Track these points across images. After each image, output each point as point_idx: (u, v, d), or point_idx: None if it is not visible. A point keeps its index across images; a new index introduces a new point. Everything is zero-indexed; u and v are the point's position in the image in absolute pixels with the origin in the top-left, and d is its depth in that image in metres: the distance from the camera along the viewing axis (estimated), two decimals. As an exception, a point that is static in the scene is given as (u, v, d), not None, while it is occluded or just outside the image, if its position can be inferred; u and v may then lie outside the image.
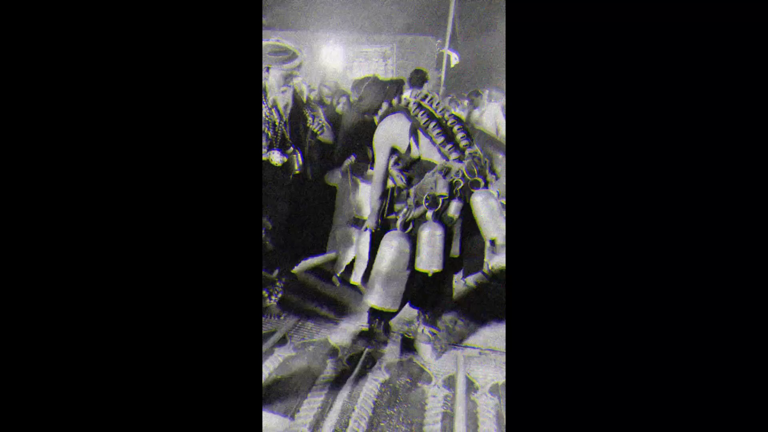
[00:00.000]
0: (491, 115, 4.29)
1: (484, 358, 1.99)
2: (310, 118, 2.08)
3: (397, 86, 1.78)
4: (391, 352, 1.98)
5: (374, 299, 1.70)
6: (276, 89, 1.93)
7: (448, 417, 1.60)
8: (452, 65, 4.81)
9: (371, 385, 1.75)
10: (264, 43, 1.90)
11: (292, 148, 2.01)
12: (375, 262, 1.70)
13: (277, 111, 1.96)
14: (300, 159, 2.02)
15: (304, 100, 2.16)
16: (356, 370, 1.83)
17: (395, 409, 1.62)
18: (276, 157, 1.96)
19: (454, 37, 4.66)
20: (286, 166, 1.98)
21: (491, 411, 1.64)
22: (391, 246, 1.66)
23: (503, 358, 1.96)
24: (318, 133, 2.12)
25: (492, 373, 1.88)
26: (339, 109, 3.03)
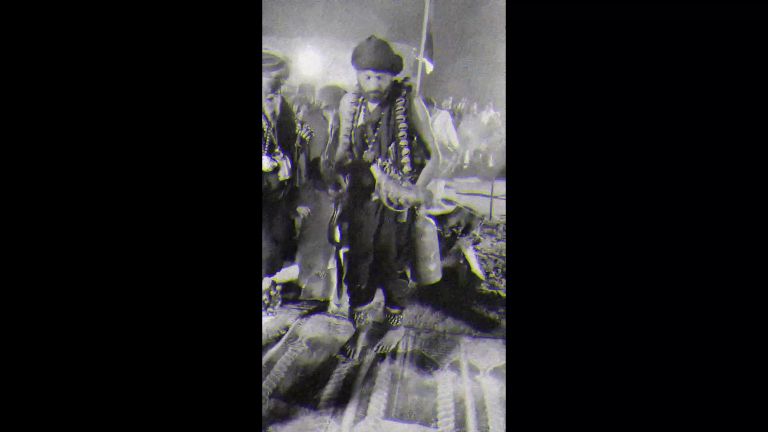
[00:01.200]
0: (441, 123, 4.43)
1: (478, 342, 2.20)
2: (298, 125, 2.11)
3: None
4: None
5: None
6: (264, 96, 1.95)
7: (458, 397, 1.78)
8: (427, 72, 4.91)
9: (384, 373, 1.93)
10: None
11: (281, 154, 2.03)
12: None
13: (265, 117, 1.98)
14: (289, 164, 2.05)
15: (293, 107, 2.19)
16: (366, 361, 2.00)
17: (409, 395, 1.77)
18: (266, 163, 1.98)
19: (429, 44, 4.77)
20: (275, 172, 2.00)
21: (495, 391, 1.83)
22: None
23: (496, 343, 2.18)
24: (306, 139, 2.15)
25: (490, 357, 2.09)
26: (326, 113, 3.06)
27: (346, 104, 1.89)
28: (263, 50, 1.95)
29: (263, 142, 1.97)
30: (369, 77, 1.75)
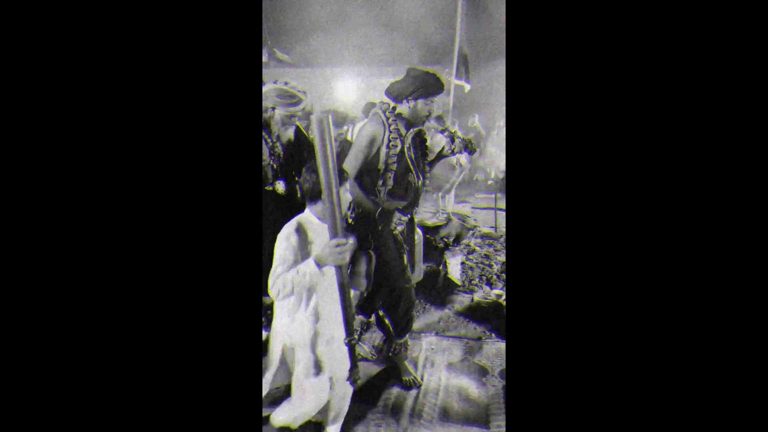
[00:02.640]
0: (436, 143, 4.51)
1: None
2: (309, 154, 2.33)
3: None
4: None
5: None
6: (280, 125, 2.19)
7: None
8: (465, 92, 5.06)
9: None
10: (272, 86, 2.18)
11: (297, 178, 2.25)
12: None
13: (282, 144, 2.21)
14: (298, 188, 2.26)
15: (309, 136, 2.42)
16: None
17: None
18: (281, 186, 2.20)
19: (465, 64, 4.91)
20: (289, 195, 2.22)
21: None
22: None
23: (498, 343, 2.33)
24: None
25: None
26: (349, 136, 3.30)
27: (379, 131, 1.94)
28: (282, 87, 2.19)
29: (280, 167, 2.20)
30: (417, 104, 1.92)
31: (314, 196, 1.43)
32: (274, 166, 2.19)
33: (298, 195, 2.32)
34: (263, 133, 2.11)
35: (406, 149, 1.97)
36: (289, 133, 2.23)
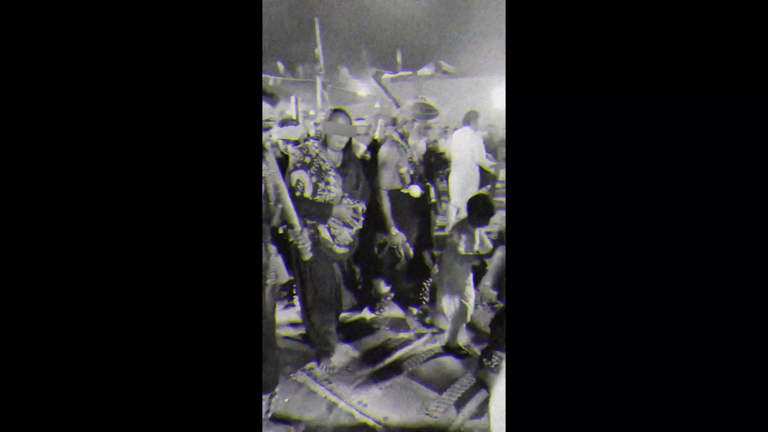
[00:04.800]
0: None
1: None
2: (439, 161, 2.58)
3: None
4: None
5: None
6: (417, 136, 2.48)
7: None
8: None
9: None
10: (413, 101, 2.49)
11: (428, 183, 2.52)
12: None
13: (417, 153, 2.50)
14: (434, 191, 2.52)
15: (438, 149, 2.67)
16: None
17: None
18: (416, 190, 2.49)
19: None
20: (423, 197, 2.50)
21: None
22: None
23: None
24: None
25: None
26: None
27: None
28: (424, 101, 2.49)
29: (415, 174, 2.49)
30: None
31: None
32: (411, 172, 2.49)
33: (433, 199, 2.59)
34: (402, 142, 2.43)
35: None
36: (422, 144, 2.51)
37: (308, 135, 2.90)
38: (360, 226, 2.17)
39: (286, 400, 1.97)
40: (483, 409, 1.93)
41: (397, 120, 2.58)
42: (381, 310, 2.75)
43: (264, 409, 1.80)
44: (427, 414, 1.90)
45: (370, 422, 1.85)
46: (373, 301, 2.73)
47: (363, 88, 14.79)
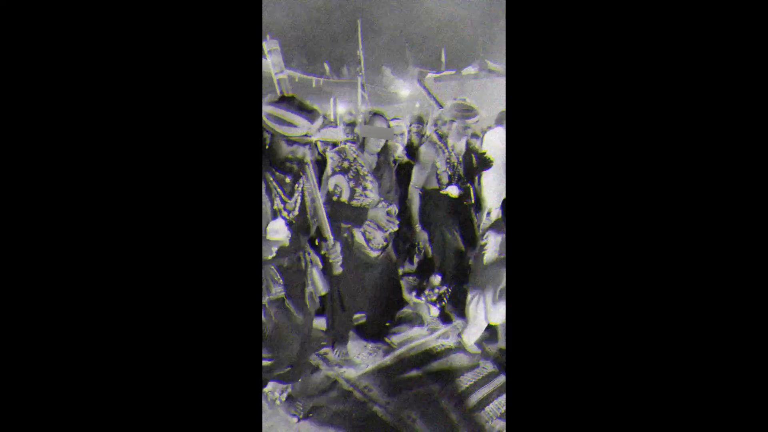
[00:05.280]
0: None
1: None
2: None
3: None
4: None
5: None
6: (456, 137, 2.43)
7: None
8: None
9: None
10: (453, 102, 2.45)
11: (468, 184, 2.46)
12: None
13: (455, 154, 2.45)
14: (473, 192, 2.45)
15: (479, 149, 2.60)
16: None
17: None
18: (454, 191, 2.44)
19: None
20: (461, 198, 2.44)
21: None
22: None
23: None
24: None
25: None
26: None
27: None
28: (463, 102, 2.44)
29: (453, 174, 2.44)
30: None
31: None
32: (449, 172, 2.44)
33: (473, 200, 2.52)
34: (440, 143, 2.39)
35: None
36: (462, 144, 2.45)
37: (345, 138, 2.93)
38: (395, 229, 2.15)
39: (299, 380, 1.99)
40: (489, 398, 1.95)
41: (436, 121, 2.55)
42: (439, 304, 2.74)
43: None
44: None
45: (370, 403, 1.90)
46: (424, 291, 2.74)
47: (405, 88, 14.79)
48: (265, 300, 1.56)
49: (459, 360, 2.23)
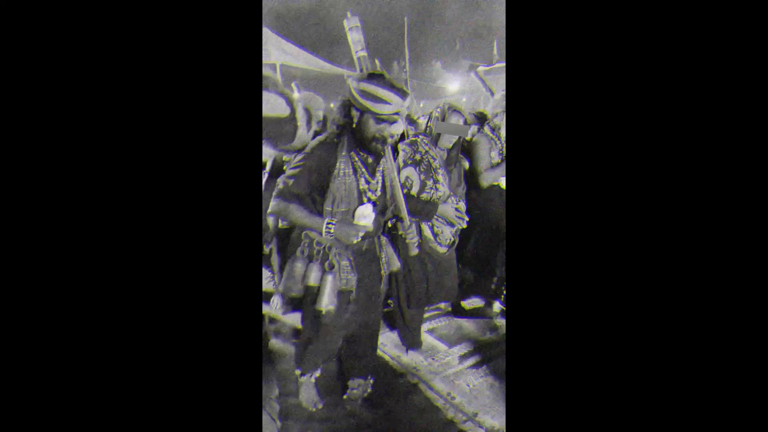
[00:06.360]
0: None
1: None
2: None
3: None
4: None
5: None
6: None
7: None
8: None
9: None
10: (502, 93, 2.49)
11: None
12: None
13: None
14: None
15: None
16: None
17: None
18: (504, 183, 2.50)
19: None
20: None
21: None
22: None
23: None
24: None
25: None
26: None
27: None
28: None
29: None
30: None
31: None
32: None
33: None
34: (491, 135, 2.44)
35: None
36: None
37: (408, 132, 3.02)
38: (464, 225, 2.11)
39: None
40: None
41: (488, 115, 2.58)
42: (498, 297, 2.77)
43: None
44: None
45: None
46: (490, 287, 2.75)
47: (454, 82, 14.55)
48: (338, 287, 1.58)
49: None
